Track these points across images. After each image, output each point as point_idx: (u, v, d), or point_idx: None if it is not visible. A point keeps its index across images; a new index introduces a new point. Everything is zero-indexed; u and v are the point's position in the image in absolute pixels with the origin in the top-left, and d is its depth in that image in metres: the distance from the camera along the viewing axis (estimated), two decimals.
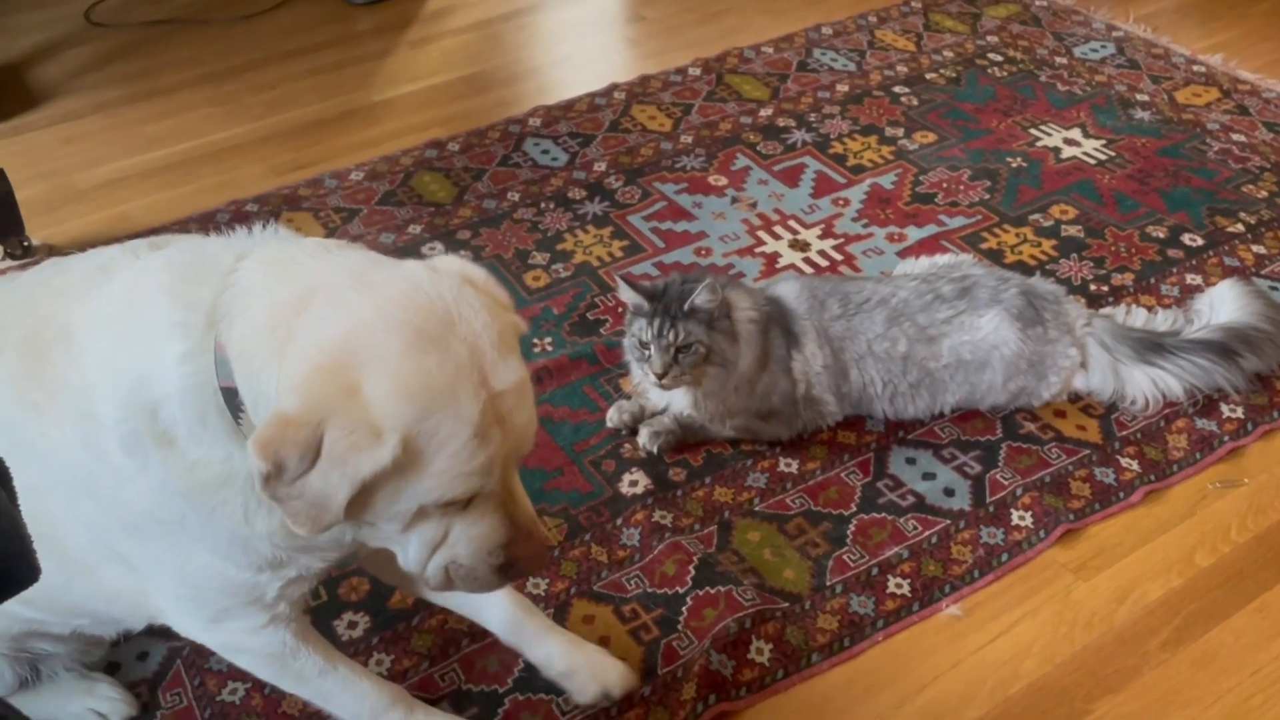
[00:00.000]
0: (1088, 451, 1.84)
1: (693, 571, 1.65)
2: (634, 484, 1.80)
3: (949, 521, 1.74)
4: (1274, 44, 3.03)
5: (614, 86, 2.89)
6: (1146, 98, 2.79)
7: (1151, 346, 1.90)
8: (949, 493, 1.79)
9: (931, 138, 2.66)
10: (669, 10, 3.32)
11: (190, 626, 1.28)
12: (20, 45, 3.21)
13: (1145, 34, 3.07)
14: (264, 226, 1.16)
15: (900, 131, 2.69)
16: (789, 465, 1.84)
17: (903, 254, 2.27)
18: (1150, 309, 2.03)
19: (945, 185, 2.49)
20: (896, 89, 2.86)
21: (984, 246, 2.30)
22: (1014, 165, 2.55)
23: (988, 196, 2.46)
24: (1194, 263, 2.24)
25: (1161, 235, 2.32)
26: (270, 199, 2.51)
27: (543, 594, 1.63)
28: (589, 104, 2.83)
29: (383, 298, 1.01)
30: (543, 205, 2.47)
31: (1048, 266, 2.24)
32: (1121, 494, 1.78)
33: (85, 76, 3.07)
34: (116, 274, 1.13)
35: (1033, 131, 2.67)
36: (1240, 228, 2.33)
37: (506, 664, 1.52)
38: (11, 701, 1.41)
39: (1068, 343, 1.87)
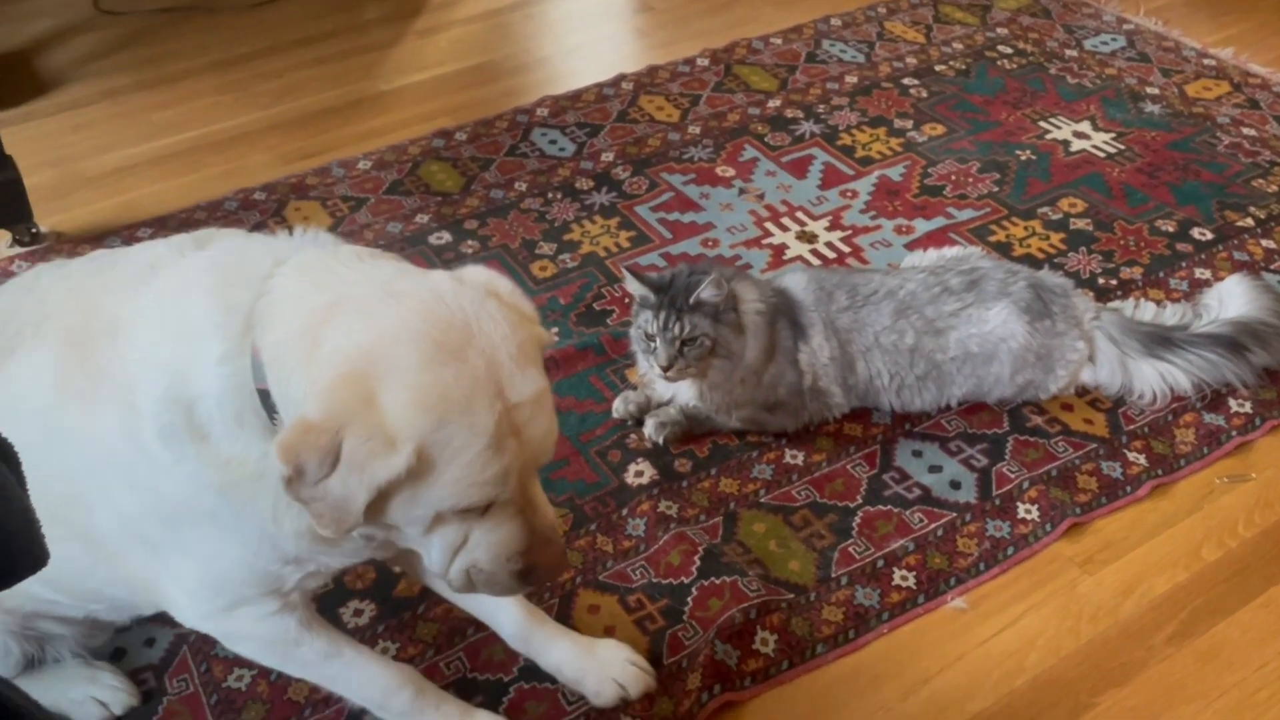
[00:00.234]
0: (1094, 445, 1.84)
1: (698, 562, 1.65)
2: (639, 474, 1.80)
3: (955, 514, 1.74)
4: None
5: (622, 77, 2.89)
6: (1157, 91, 2.77)
7: (1160, 340, 1.89)
8: (955, 485, 1.78)
9: (940, 130, 2.66)
10: (677, 1, 3.31)
11: (199, 615, 1.30)
12: (29, 32, 3.21)
13: (1156, 27, 3.06)
14: (303, 230, 1.21)
15: (909, 123, 2.68)
16: (795, 457, 1.84)
17: (910, 246, 2.27)
18: (1159, 303, 2.02)
19: (954, 178, 2.49)
20: (905, 81, 2.85)
21: (992, 239, 2.30)
22: (1023, 158, 2.54)
23: (996, 189, 2.45)
24: (1203, 257, 2.23)
25: (1171, 229, 2.31)
26: (278, 187, 2.51)
27: (549, 584, 1.63)
28: (597, 94, 2.82)
29: (406, 309, 1.05)
30: (550, 195, 2.47)
31: (1056, 260, 2.23)
32: (1128, 488, 1.77)
33: (94, 64, 3.07)
34: (163, 271, 1.16)
35: (1042, 124, 2.66)
36: (1250, 222, 2.32)
37: (512, 653, 1.52)
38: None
39: (1075, 336, 1.87)
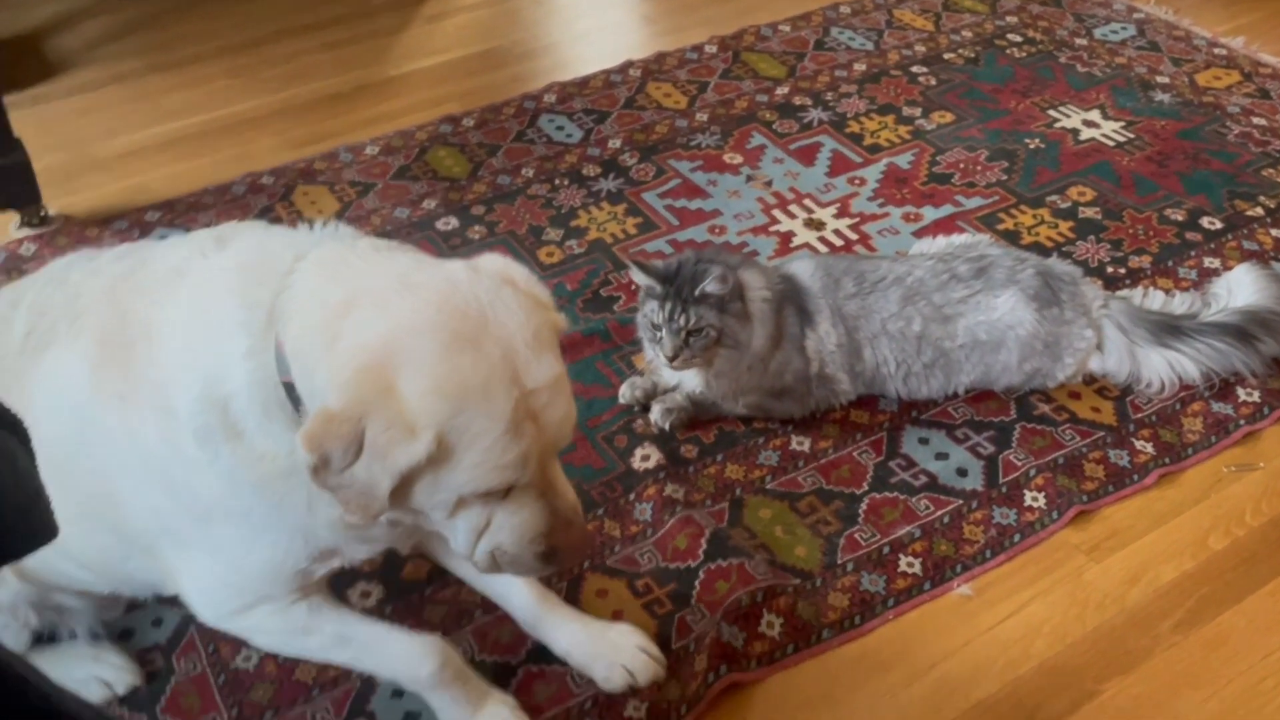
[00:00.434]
0: (1102, 434, 1.84)
1: (704, 545, 1.65)
2: (646, 459, 1.80)
3: (961, 501, 1.74)
4: None
5: (629, 63, 2.88)
6: (1167, 80, 2.76)
7: (1168, 329, 1.88)
8: (962, 473, 1.78)
9: (949, 118, 2.65)
10: None
11: (217, 615, 1.35)
12: (38, 15, 3.21)
13: (1166, 16, 3.04)
14: (322, 224, 1.24)
15: (918, 111, 2.67)
16: (801, 444, 1.84)
17: (919, 234, 2.26)
18: (1168, 292, 2.01)
19: (962, 165, 2.48)
20: (914, 68, 2.84)
21: (1001, 227, 2.29)
22: (1032, 146, 2.54)
23: (1005, 177, 2.44)
24: (1212, 246, 2.23)
25: (1180, 218, 2.30)
26: (286, 172, 2.51)
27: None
28: (604, 81, 2.82)
29: (422, 300, 1.07)
30: (557, 181, 2.46)
31: (1065, 248, 2.23)
32: (1135, 476, 1.77)
33: (103, 47, 3.07)
34: (189, 276, 1.20)
35: (1051, 113, 2.65)
36: (1260, 211, 2.32)
37: (520, 635, 1.53)
38: None
39: (1084, 324, 1.87)
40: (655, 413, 1.86)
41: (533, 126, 2.65)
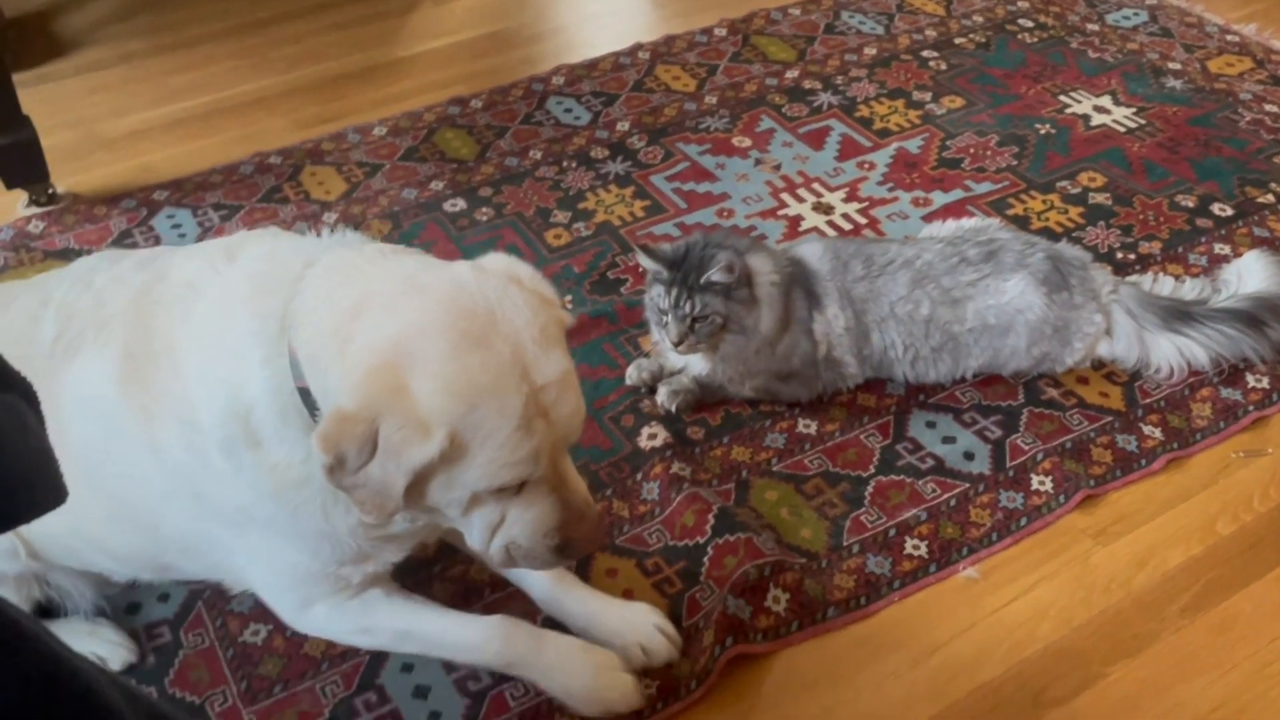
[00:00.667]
0: (1110, 419, 1.83)
1: (712, 520, 1.65)
2: (653, 437, 1.80)
3: (968, 485, 1.73)
4: None
5: (638, 46, 2.87)
6: (1179, 66, 2.75)
7: (1178, 315, 1.88)
8: (969, 456, 1.78)
9: (959, 103, 2.64)
10: None
11: (285, 615, 1.40)
12: None
13: (1179, 2, 3.03)
14: (332, 231, 1.28)
15: (928, 96, 2.66)
16: (808, 426, 1.84)
17: (928, 218, 2.25)
18: (1177, 278, 2.00)
19: (972, 150, 2.47)
20: (925, 53, 2.82)
21: (1010, 213, 2.28)
22: (1042, 132, 2.53)
23: (1015, 162, 2.43)
24: (1223, 233, 2.22)
25: (1191, 204, 2.29)
26: (293, 152, 2.51)
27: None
28: (613, 63, 2.81)
29: (430, 300, 1.10)
30: (565, 164, 2.46)
31: (1074, 234, 2.22)
32: (1143, 461, 1.77)
33: (111, 26, 3.06)
34: (204, 291, 1.24)
35: (1062, 98, 2.64)
36: (1271, 198, 2.30)
37: (529, 613, 1.52)
38: None
39: (1093, 309, 1.86)
40: (662, 394, 1.86)
41: (541, 109, 2.65)
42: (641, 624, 1.48)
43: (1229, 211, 2.27)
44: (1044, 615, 1.56)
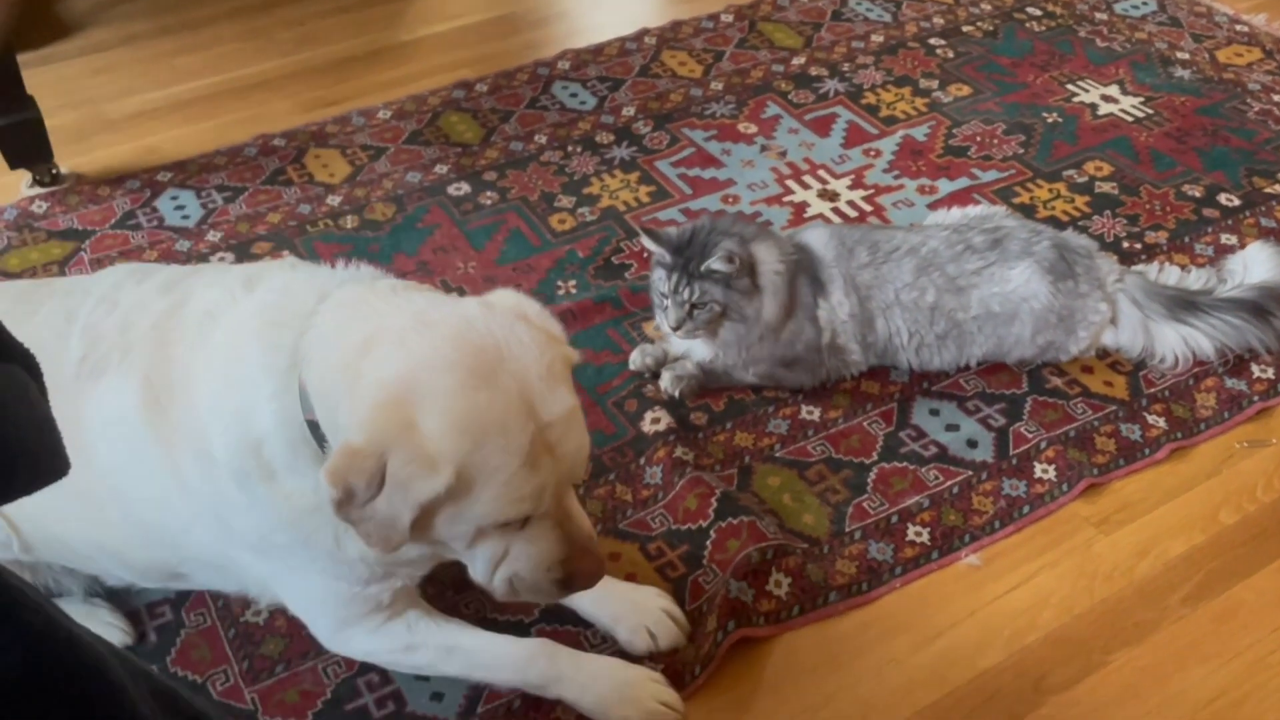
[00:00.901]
0: (1114, 408, 1.83)
1: (714, 505, 1.65)
2: (656, 421, 1.79)
3: (971, 472, 1.73)
4: None
5: (645, 31, 2.86)
6: (1187, 56, 2.73)
7: (1183, 304, 1.87)
8: (972, 444, 1.78)
9: (966, 91, 2.63)
10: None
11: (324, 639, 1.41)
12: None
13: None
14: (344, 265, 1.29)
15: (934, 84, 2.65)
16: (811, 413, 1.83)
17: (933, 206, 2.25)
18: (1183, 267, 2.00)
19: (979, 139, 2.46)
20: (932, 41, 2.81)
21: (1016, 201, 2.27)
22: (1049, 120, 2.51)
23: (1021, 151, 2.42)
24: (1230, 223, 2.21)
25: (1198, 194, 2.28)
26: (298, 135, 2.50)
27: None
28: (619, 48, 2.80)
29: (439, 337, 1.11)
30: (570, 149, 2.45)
31: (1080, 223, 2.21)
32: (1147, 450, 1.76)
33: (116, 7, 3.05)
34: (221, 320, 1.25)
35: (1069, 87, 2.63)
36: (1278, 189, 2.29)
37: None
38: None
39: (1098, 298, 1.85)
40: (665, 379, 1.86)
41: (546, 93, 2.64)
42: (650, 608, 1.48)
43: (1236, 202, 2.26)
44: (1045, 603, 1.56)
